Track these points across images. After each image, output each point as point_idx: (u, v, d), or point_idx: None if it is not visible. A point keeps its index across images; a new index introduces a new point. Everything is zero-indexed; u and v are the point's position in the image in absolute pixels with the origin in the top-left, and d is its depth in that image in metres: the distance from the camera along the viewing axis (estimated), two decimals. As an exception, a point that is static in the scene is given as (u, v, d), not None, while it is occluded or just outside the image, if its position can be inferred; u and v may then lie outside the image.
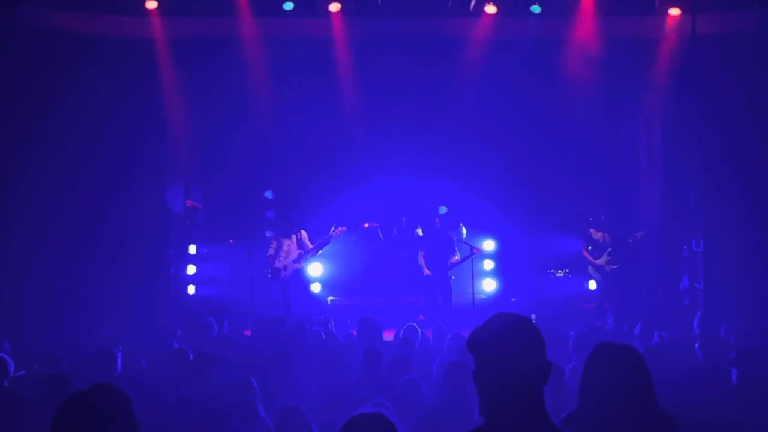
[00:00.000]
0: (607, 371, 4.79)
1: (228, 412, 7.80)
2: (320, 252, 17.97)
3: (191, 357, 10.03)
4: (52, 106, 16.51)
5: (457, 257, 18.01)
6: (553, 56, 18.46)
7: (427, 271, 17.84)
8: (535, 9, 17.30)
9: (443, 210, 19.82)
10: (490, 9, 17.41)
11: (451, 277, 18.09)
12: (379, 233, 19.89)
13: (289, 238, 17.31)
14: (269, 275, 17.57)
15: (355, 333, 13.08)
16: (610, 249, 17.41)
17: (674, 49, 17.91)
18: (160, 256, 17.49)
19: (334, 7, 17.41)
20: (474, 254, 17.97)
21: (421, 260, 18.05)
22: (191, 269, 18.86)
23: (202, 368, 9.31)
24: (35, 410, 8.24)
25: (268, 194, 20.74)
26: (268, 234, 17.97)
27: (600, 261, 17.59)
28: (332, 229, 18.00)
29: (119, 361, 9.70)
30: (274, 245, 17.36)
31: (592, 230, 17.77)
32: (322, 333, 12.78)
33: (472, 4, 17.42)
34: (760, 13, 17.13)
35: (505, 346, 3.76)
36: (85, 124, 16.80)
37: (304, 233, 17.42)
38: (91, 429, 3.89)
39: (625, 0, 17.63)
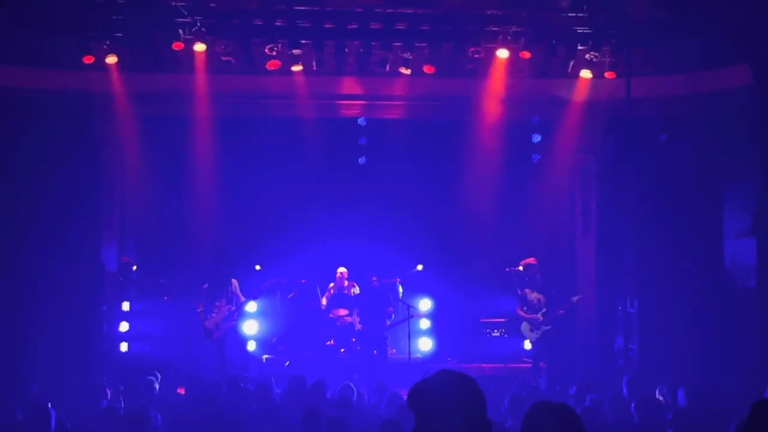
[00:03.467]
0: (545, 430, 4.74)
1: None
2: (251, 305, 17.84)
3: (122, 414, 9.86)
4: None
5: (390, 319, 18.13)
6: (487, 118, 18.70)
7: (358, 326, 17.89)
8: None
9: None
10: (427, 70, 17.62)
11: (386, 336, 18.10)
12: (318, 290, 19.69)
13: (222, 291, 17.12)
14: (202, 334, 17.39)
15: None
16: (544, 310, 17.41)
17: (609, 111, 18.19)
18: (93, 312, 17.23)
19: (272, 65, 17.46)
20: (412, 317, 17.99)
21: (355, 318, 18.11)
22: (124, 326, 18.57)
23: (133, 426, 9.14)
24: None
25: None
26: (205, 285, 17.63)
27: (535, 315, 17.60)
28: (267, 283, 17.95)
29: (53, 420, 9.50)
30: (203, 302, 17.17)
31: (527, 290, 17.76)
32: (259, 392, 12.63)
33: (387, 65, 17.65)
34: (694, 77, 17.47)
35: (447, 403, 3.72)
36: (20, 177, 16.62)
37: (235, 282, 17.25)
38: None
39: (559, 62, 17.86)
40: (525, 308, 17.61)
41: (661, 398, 12.04)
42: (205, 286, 17.27)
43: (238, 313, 17.29)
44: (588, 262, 19.11)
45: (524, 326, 17.61)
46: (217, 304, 16.98)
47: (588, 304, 18.60)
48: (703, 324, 16.74)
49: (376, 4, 16.97)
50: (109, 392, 12.92)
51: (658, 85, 17.78)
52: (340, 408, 10.72)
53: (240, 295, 17.20)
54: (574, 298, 17.74)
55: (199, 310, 17.13)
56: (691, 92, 17.76)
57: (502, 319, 19.34)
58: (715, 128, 17.38)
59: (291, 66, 17.50)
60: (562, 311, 17.42)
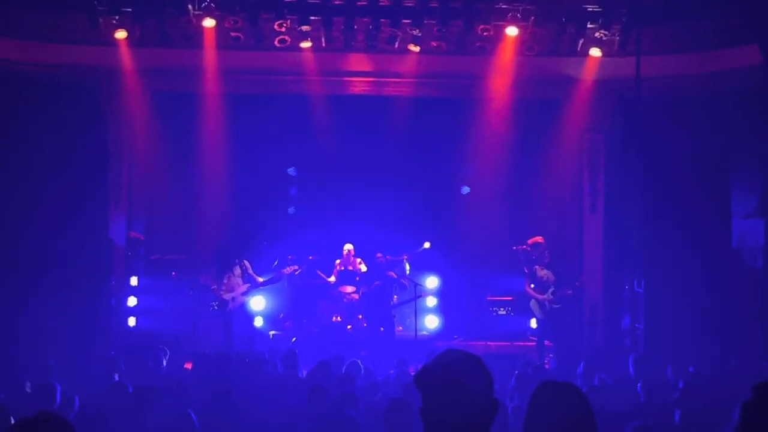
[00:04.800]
0: (551, 410, 4.76)
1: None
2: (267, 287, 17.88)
3: (130, 390, 9.90)
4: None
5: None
6: (496, 96, 18.70)
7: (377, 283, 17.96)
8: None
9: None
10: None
11: (393, 314, 18.12)
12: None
13: (232, 270, 17.12)
14: (215, 308, 17.40)
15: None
16: (553, 288, 17.41)
17: (618, 90, 18.17)
18: (102, 287, 17.27)
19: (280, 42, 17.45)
20: (419, 296, 18.03)
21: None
22: (132, 301, 18.60)
23: (142, 402, 9.18)
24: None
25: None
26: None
27: (543, 297, 17.55)
28: (275, 262, 17.97)
29: (58, 393, 9.55)
30: (215, 280, 17.15)
31: (537, 267, 17.74)
32: (266, 367, 12.68)
33: (396, 43, 17.61)
34: (703, 56, 17.42)
35: (455, 383, 3.74)
36: (28, 152, 16.64)
37: (247, 263, 17.26)
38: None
39: (569, 41, 17.80)
40: (533, 285, 17.60)
41: (669, 378, 12.07)
42: (215, 265, 17.28)
43: (252, 290, 17.29)
44: (595, 241, 19.10)
45: (533, 303, 17.61)
46: (225, 281, 16.98)
47: (595, 283, 18.62)
48: (710, 304, 16.74)
49: (386, -20, 16.95)
50: (121, 366, 12.98)
51: (668, 64, 17.74)
52: (347, 385, 10.74)
53: (254, 275, 17.20)
54: (578, 282, 17.75)
55: (212, 288, 17.14)
56: (700, 71, 17.71)
57: (509, 298, 19.38)
58: (724, 107, 17.33)
59: (300, 42, 17.48)
60: (570, 291, 17.45)
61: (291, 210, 21.02)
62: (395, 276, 18.45)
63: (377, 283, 18.22)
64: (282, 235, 19.62)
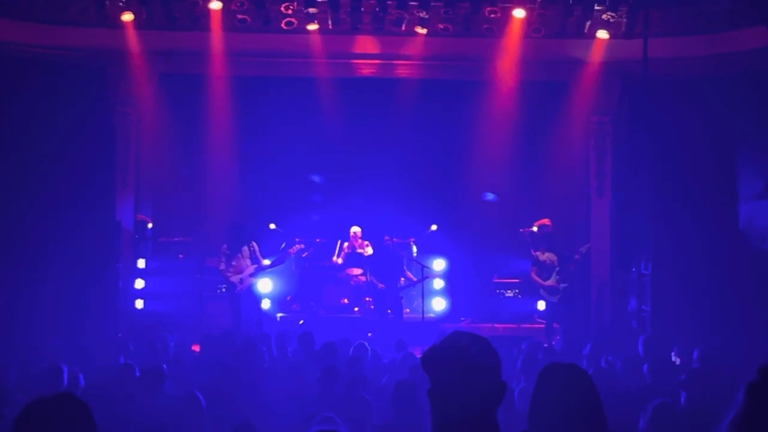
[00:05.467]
0: (557, 392, 4.76)
1: (174, 427, 7.72)
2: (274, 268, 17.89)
3: (137, 372, 9.94)
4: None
5: (410, 275, 18.12)
6: (502, 78, 18.67)
7: (381, 285, 17.86)
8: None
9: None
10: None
11: (401, 297, 18.12)
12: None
13: (240, 252, 17.13)
14: (223, 290, 17.41)
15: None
16: (558, 268, 17.42)
17: (626, 72, 18.15)
18: (109, 269, 17.29)
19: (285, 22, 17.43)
20: (426, 278, 18.03)
21: (371, 278, 18.13)
22: (140, 283, 18.63)
23: (149, 383, 9.22)
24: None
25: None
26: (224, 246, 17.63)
27: (550, 282, 17.57)
28: (282, 244, 17.99)
29: (65, 375, 9.58)
30: (224, 259, 17.15)
31: (538, 252, 17.75)
32: (274, 349, 12.71)
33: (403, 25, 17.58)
34: (710, 38, 17.38)
35: (463, 365, 3.74)
36: (35, 135, 16.66)
37: (255, 245, 17.26)
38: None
39: (576, 23, 17.76)
40: (538, 270, 17.60)
41: (677, 360, 12.07)
42: (224, 246, 17.26)
43: (259, 272, 17.28)
44: (603, 224, 19.06)
45: (542, 290, 17.62)
46: (234, 263, 16.99)
47: (602, 265, 18.61)
48: (717, 286, 16.74)
49: (393, -38, 16.92)
50: (130, 348, 13.01)
51: (675, 46, 17.69)
52: (354, 367, 10.77)
53: (261, 257, 17.19)
54: (584, 248, 17.76)
55: (221, 269, 17.13)
56: (707, 53, 17.66)
57: (516, 280, 19.40)
58: (731, 90, 17.29)
59: (307, 25, 17.47)
60: (573, 266, 17.46)
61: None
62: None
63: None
64: (290, 218, 19.62)
